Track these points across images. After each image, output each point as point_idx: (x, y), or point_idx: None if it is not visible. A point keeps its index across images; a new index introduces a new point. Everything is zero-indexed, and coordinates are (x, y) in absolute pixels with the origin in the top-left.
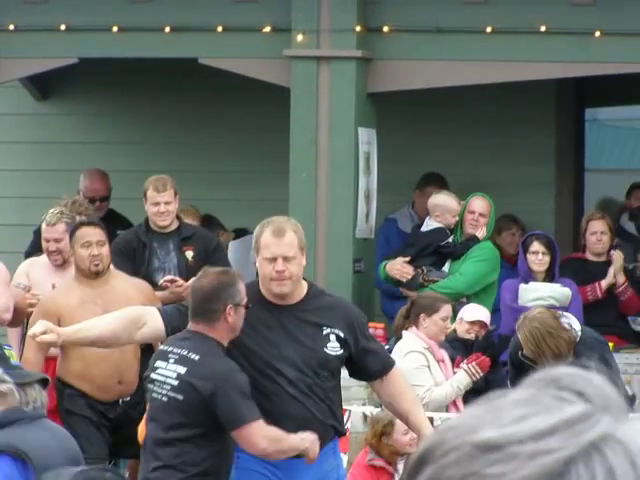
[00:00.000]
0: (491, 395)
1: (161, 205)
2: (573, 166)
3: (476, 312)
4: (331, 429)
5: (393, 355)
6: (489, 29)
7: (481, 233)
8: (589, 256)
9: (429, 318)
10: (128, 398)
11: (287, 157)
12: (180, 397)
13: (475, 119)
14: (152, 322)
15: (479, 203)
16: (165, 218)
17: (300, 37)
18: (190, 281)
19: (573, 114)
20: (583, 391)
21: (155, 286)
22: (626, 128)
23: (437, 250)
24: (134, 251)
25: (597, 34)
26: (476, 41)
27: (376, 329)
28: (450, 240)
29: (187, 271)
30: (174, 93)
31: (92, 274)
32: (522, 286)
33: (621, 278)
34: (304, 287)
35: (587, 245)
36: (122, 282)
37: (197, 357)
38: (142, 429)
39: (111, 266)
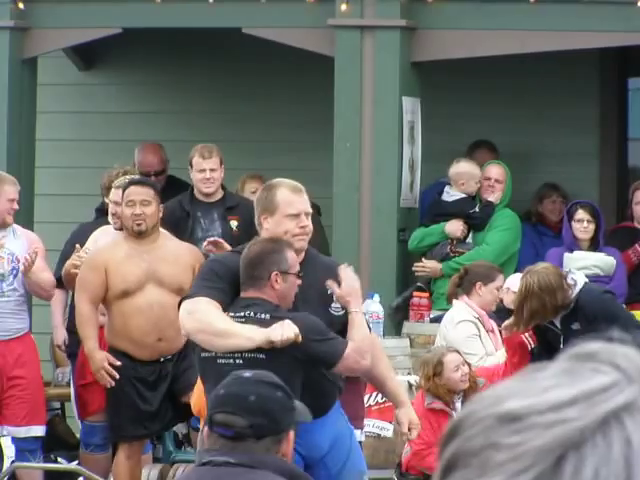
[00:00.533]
0: (531, 367)
1: (207, 172)
2: (616, 135)
3: None
4: (336, 389)
5: (444, 323)
6: None
7: (494, 197)
8: (638, 225)
9: (485, 287)
10: (169, 357)
11: (331, 127)
12: (261, 356)
13: (518, 89)
14: None
15: (495, 169)
16: (210, 185)
17: (344, 6)
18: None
19: (616, 84)
20: (619, 364)
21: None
22: None
23: (465, 219)
24: (178, 220)
25: (639, 4)
26: (519, 11)
27: (420, 298)
28: (477, 209)
29: (232, 240)
30: (218, 63)
31: (135, 233)
32: (567, 255)
33: None
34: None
35: (635, 214)
36: (172, 242)
37: (267, 316)
38: (197, 399)
39: (160, 228)
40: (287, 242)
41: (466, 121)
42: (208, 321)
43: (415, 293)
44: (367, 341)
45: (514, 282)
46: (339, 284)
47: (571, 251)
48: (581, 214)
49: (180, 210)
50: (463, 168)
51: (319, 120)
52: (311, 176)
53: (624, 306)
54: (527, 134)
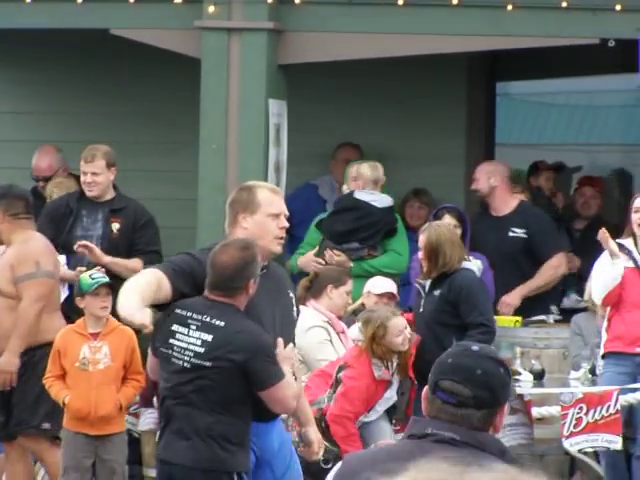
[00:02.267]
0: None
1: (88, 175)
2: (484, 140)
3: (384, 284)
4: None
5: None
6: (400, 1)
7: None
8: None
9: (336, 290)
10: None
11: (197, 128)
12: (208, 364)
13: (386, 92)
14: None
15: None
16: (92, 188)
17: (212, 8)
18: (108, 258)
19: (484, 88)
20: None
21: (73, 252)
22: (537, 102)
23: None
24: (60, 217)
25: (509, 7)
26: (387, 14)
27: None
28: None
29: (110, 243)
30: (86, 64)
31: None
32: None
33: None
34: None
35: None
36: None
37: (222, 323)
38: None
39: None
40: (254, 244)
41: (333, 123)
42: (126, 287)
43: None
44: (297, 390)
45: (375, 286)
46: (293, 288)
47: None
48: (447, 219)
49: (64, 207)
50: (365, 170)
51: (185, 122)
52: (178, 177)
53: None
54: (395, 136)
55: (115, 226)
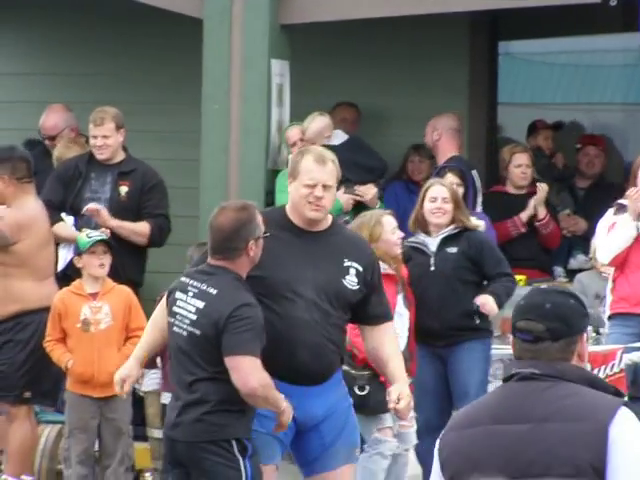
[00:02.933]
0: None
1: (98, 139)
2: (486, 99)
3: None
4: (339, 359)
5: None
6: None
7: None
8: (510, 189)
9: None
10: None
11: (200, 89)
12: (198, 332)
13: (389, 52)
14: None
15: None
16: (102, 152)
17: None
18: (115, 221)
19: (486, 47)
20: None
21: (81, 215)
22: (539, 62)
23: None
24: (69, 179)
25: None
26: None
27: None
28: None
29: (118, 206)
30: (86, 24)
31: None
32: None
33: (542, 211)
34: (329, 219)
35: (510, 178)
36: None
37: (215, 291)
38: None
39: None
40: (254, 205)
41: (336, 84)
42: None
43: None
44: (267, 390)
45: None
46: (362, 260)
47: None
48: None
49: (73, 169)
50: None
51: (188, 82)
52: (180, 137)
53: None
54: (397, 96)
55: (123, 189)
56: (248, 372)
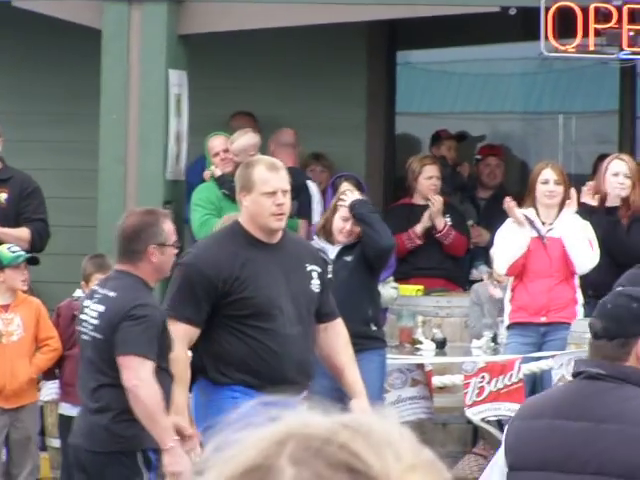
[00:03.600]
0: None
1: None
2: (384, 109)
3: None
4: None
5: None
6: None
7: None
8: (418, 200)
9: None
10: None
11: (98, 99)
12: (99, 336)
13: (287, 62)
14: None
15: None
16: None
17: None
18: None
19: (385, 57)
20: None
21: None
22: (438, 71)
23: None
24: None
25: None
26: None
27: None
28: None
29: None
30: None
31: None
32: None
33: (440, 222)
34: None
35: (420, 189)
36: None
37: (114, 294)
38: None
39: None
40: (164, 213)
41: (234, 93)
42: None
43: None
44: (152, 400)
45: None
46: (317, 261)
47: None
48: (345, 187)
49: None
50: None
51: (86, 92)
52: (78, 148)
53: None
54: (294, 106)
55: (2, 196)
56: (135, 371)
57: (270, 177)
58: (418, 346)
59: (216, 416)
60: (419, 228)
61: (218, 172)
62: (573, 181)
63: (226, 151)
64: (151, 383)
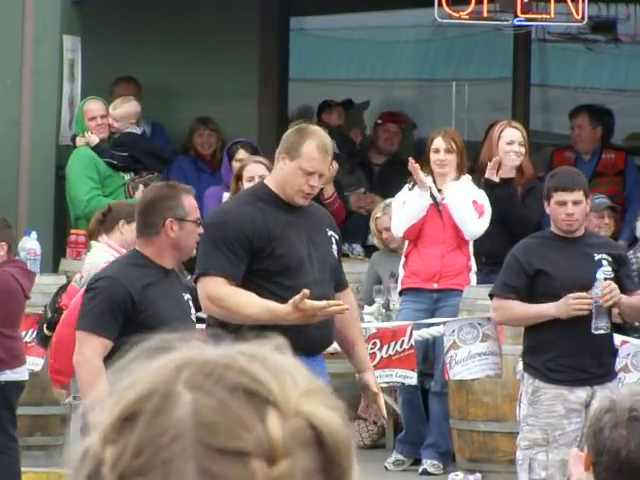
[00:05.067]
0: None
1: None
2: (277, 75)
3: None
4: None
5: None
6: None
7: None
8: None
9: (128, 225)
10: None
11: None
12: None
13: (179, 27)
14: None
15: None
16: None
17: None
18: None
19: (277, 23)
20: None
21: None
22: (332, 38)
23: None
24: None
25: None
26: None
27: (78, 236)
28: None
29: None
30: None
31: None
32: (226, 194)
33: (330, 189)
34: None
35: None
36: None
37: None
38: None
39: None
40: (185, 188)
41: (127, 59)
42: (236, 308)
43: (72, 231)
44: (88, 382)
45: None
46: (335, 228)
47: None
48: (241, 154)
49: None
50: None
51: None
52: None
53: None
54: (186, 72)
55: None
56: (79, 346)
57: (317, 157)
58: None
59: None
60: None
61: (95, 139)
62: (466, 148)
63: (103, 117)
64: (91, 360)
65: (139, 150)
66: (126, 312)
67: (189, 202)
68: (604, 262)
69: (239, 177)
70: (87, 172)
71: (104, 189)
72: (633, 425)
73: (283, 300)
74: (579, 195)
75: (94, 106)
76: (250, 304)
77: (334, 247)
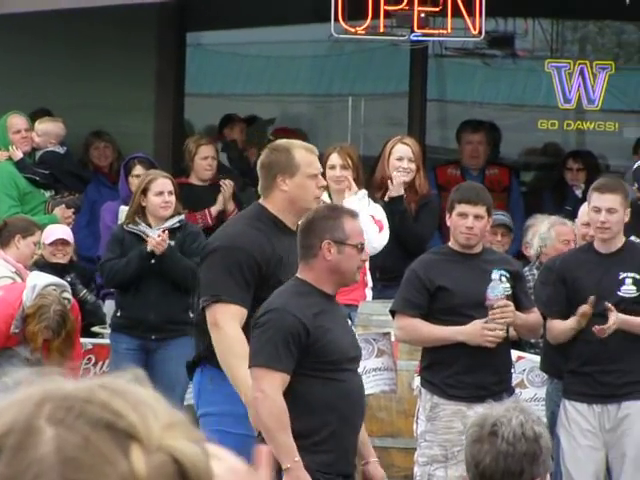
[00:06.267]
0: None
1: None
2: (173, 90)
3: (57, 232)
4: None
5: None
6: None
7: None
8: (194, 181)
9: (24, 240)
10: None
11: None
12: None
13: (74, 41)
14: None
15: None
16: None
17: None
18: None
19: (173, 38)
20: None
21: None
22: (229, 53)
23: None
24: None
25: None
26: None
27: None
28: None
29: None
30: None
31: None
32: (122, 208)
33: (231, 205)
34: None
35: (196, 170)
36: None
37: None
38: None
39: None
40: (349, 211)
41: (19, 77)
42: (229, 359)
43: None
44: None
45: (48, 235)
46: None
47: (126, 204)
48: (138, 169)
49: None
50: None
51: None
52: None
53: None
54: (83, 87)
55: None
56: (256, 383)
57: (313, 159)
58: None
59: (221, 405)
60: (214, 210)
61: (19, 154)
62: (362, 163)
63: (27, 130)
64: (271, 396)
65: (61, 169)
66: (300, 343)
67: (352, 225)
68: (503, 278)
69: (145, 191)
70: (6, 190)
71: (24, 206)
72: (492, 440)
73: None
74: (482, 210)
75: (18, 120)
76: (236, 367)
77: None
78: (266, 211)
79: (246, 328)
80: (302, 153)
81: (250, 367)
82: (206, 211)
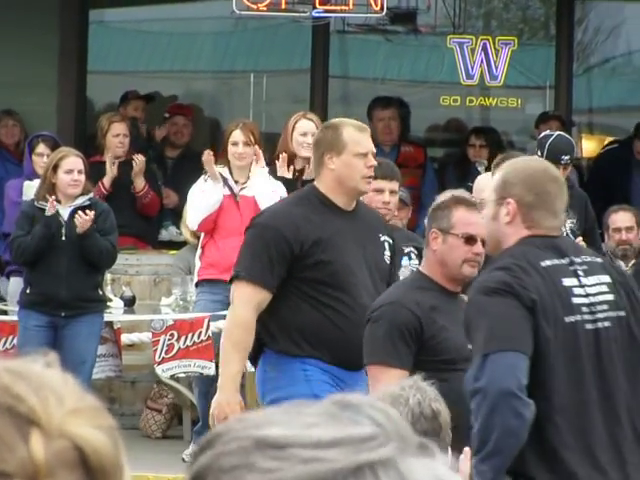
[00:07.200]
0: (297, 403)
1: None
2: (76, 68)
3: None
4: None
5: None
6: None
7: None
8: (106, 158)
9: None
10: None
11: None
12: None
13: None
14: None
15: None
16: None
17: None
18: None
19: (76, 15)
20: (377, 419)
21: None
22: (133, 30)
23: None
24: None
25: None
26: None
27: None
28: None
29: None
30: None
31: None
32: (27, 183)
33: (140, 182)
34: None
35: (109, 147)
36: None
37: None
38: None
39: None
40: (459, 199)
41: None
42: (225, 342)
43: None
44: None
45: None
46: (388, 231)
47: (30, 180)
48: (42, 148)
49: None
50: None
51: None
52: None
53: None
54: None
55: None
56: (372, 382)
57: (362, 138)
58: (108, 304)
59: (287, 388)
60: (107, 180)
61: None
62: (264, 139)
63: None
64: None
65: None
66: (416, 337)
67: (460, 215)
68: (412, 255)
69: (55, 168)
70: None
71: None
72: None
73: (336, 312)
74: (395, 186)
75: None
76: (232, 352)
77: (387, 253)
78: (316, 190)
79: (268, 308)
80: (350, 131)
81: (366, 365)
82: (99, 183)
